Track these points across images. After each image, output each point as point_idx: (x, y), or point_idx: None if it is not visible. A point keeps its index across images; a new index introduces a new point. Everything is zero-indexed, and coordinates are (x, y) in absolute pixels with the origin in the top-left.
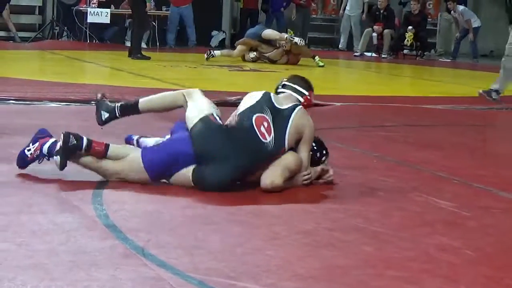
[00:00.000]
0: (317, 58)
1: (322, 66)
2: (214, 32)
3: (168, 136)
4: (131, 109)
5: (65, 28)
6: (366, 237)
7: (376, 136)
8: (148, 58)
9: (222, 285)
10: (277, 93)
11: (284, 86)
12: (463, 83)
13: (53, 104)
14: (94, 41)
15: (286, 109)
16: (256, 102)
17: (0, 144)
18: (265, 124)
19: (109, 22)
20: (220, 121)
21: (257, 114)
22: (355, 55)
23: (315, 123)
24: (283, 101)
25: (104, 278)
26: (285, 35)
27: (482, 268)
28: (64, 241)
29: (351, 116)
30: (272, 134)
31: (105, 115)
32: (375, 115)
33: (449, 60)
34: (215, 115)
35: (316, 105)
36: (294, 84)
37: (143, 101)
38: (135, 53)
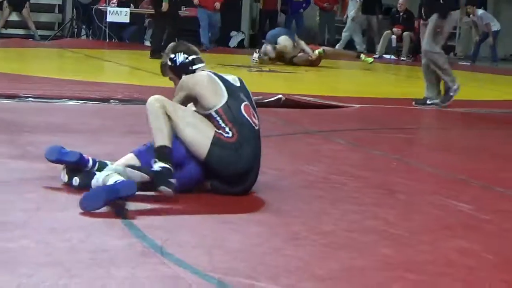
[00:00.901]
0: (362, 56)
1: (371, 62)
2: (233, 33)
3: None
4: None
5: (84, 27)
6: (385, 239)
7: (396, 138)
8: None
9: (241, 285)
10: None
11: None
12: (483, 87)
13: (72, 102)
14: (113, 40)
15: (241, 82)
16: (234, 89)
17: (20, 142)
18: (251, 110)
19: (128, 21)
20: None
21: (243, 104)
22: (374, 57)
23: (333, 125)
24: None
25: (122, 276)
26: (311, 52)
27: (501, 272)
28: (83, 239)
29: (370, 118)
30: (257, 116)
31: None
32: (394, 118)
33: (469, 64)
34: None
35: (335, 106)
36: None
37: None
38: (155, 53)
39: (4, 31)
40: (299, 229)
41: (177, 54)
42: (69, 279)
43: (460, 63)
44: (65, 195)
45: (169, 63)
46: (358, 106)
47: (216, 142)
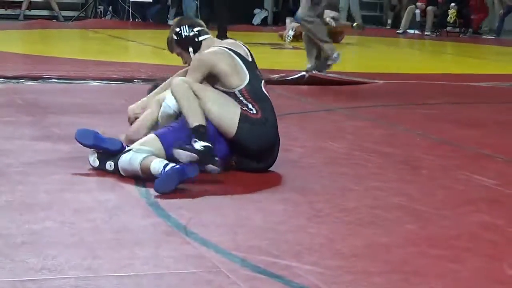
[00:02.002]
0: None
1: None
2: (256, 10)
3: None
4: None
5: (108, 7)
6: (408, 215)
7: (419, 114)
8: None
9: (264, 263)
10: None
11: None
12: (507, 60)
13: (96, 83)
14: (136, 20)
15: (250, 54)
16: (250, 65)
17: (45, 123)
18: (266, 85)
19: (151, 0)
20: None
21: (262, 82)
22: (397, 33)
23: (356, 101)
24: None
25: (146, 256)
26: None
27: None
28: (107, 219)
29: (393, 94)
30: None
31: None
32: (418, 93)
33: (493, 38)
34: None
35: (359, 82)
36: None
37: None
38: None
39: (28, 12)
40: (322, 207)
41: (182, 27)
42: (94, 259)
43: (485, 37)
44: (88, 176)
45: (175, 37)
46: (381, 82)
47: (244, 119)
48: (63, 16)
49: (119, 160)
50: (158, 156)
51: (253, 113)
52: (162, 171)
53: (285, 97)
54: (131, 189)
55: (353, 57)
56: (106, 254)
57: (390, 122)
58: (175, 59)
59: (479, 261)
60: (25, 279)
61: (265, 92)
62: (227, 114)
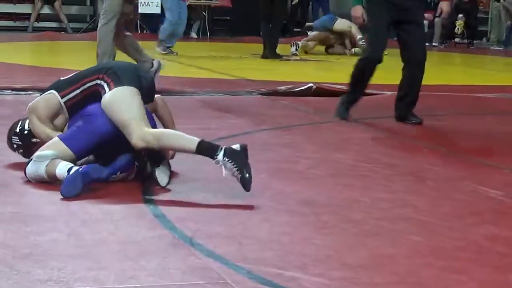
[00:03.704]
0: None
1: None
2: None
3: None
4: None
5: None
6: (414, 226)
7: (426, 125)
8: (280, 57)
9: (270, 274)
10: None
11: None
12: None
13: None
14: (145, 32)
15: None
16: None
17: None
18: None
19: (159, 12)
20: None
21: None
22: (433, 45)
23: (364, 112)
24: None
25: (152, 268)
26: (358, 35)
27: None
28: (113, 231)
29: None
30: None
31: None
32: (425, 104)
33: (501, 49)
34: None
35: (366, 94)
36: None
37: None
38: (271, 53)
39: (36, 24)
40: (328, 218)
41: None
42: (100, 271)
43: (493, 48)
44: (95, 188)
45: None
46: (389, 93)
47: None
48: (71, 28)
49: (26, 172)
50: (63, 157)
51: None
52: (67, 176)
53: (292, 108)
54: (138, 200)
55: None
56: (112, 266)
57: (397, 133)
58: (183, 71)
59: (486, 272)
60: None
61: None
62: None
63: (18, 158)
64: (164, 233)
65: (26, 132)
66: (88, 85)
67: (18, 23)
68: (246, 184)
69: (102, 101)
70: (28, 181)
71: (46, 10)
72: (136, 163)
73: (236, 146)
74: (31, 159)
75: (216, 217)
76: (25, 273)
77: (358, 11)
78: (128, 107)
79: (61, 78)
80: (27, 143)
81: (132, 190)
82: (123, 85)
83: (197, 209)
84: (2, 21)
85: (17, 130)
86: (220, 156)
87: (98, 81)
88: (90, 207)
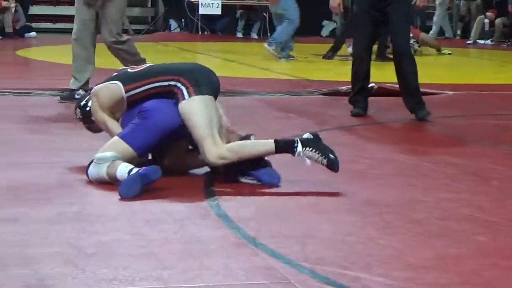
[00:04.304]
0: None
1: (450, 53)
2: (324, 22)
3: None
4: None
5: (177, 20)
6: (479, 226)
7: (489, 124)
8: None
9: (333, 274)
10: None
11: None
12: None
13: None
14: (205, 33)
15: None
16: None
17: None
18: None
19: (220, 13)
20: None
21: None
22: (468, 43)
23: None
24: None
25: (216, 267)
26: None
27: None
28: (176, 230)
29: (463, 104)
30: None
31: None
32: (488, 104)
33: None
34: None
35: (428, 93)
36: None
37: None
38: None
39: None
40: (391, 218)
41: None
42: (163, 270)
43: None
44: (158, 187)
45: None
46: (451, 92)
47: None
48: (133, 30)
49: (88, 174)
50: (126, 156)
51: None
52: (128, 175)
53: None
54: (200, 200)
55: (421, 67)
56: (175, 265)
57: (460, 133)
58: (243, 71)
59: None
60: None
61: None
62: None
63: (80, 160)
64: (227, 233)
65: (87, 109)
66: (159, 84)
67: None
68: (334, 165)
69: (181, 106)
70: (91, 182)
71: None
72: None
73: (308, 135)
74: (92, 161)
75: (278, 217)
76: (90, 272)
77: (335, 0)
78: (208, 121)
79: (128, 70)
80: (87, 119)
81: (195, 189)
82: (203, 94)
83: (259, 209)
84: (65, 23)
85: (81, 104)
86: (300, 148)
87: (175, 83)
88: (153, 207)
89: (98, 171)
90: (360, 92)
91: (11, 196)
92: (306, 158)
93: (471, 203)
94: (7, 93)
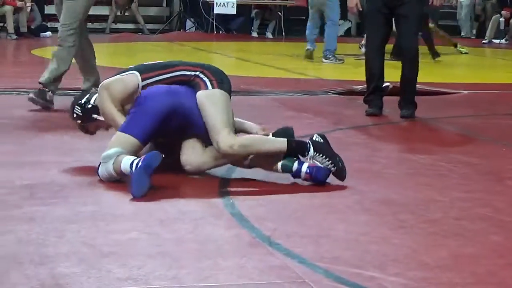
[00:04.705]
0: (459, 46)
1: (467, 53)
2: (339, 21)
3: None
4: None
5: (192, 19)
6: (494, 226)
7: (505, 124)
8: (438, 55)
9: (348, 274)
10: None
11: None
12: None
13: None
14: (220, 32)
15: None
16: None
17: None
18: None
19: (235, 13)
20: None
21: None
22: (483, 43)
23: (441, 111)
24: None
25: (230, 267)
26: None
27: None
28: (191, 230)
29: (478, 104)
30: None
31: None
32: (503, 103)
33: None
34: None
35: (443, 93)
36: None
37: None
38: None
39: (114, 26)
40: (406, 217)
41: None
42: (178, 270)
43: None
44: (172, 187)
45: None
46: (466, 92)
47: None
48: (148, 29)
49: (99, 175)
50: (130, 148)
51: None
52: (131, 171)
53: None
54: (215, 200)
55: (435, 67)
56: (190, 265)
57: (475, 132)
58: (258, 71)
59: None
60: None
61: None
62: None
63: (95, 159)
64: (241, 232)
65: (89, 106)
66: (185, 72)
67: (96, 25)
68: (341, 173)
69: (201, 93)
70: (105, 182)
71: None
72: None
73: (318, 138)
74: (99, 164)
75: (293, 217)
76: (105, 272)
77: (352, 1)
78: (227, 113)
79: (146, 63)
80: (87, 117)
81: (209, 189)
82: (224, 90)
83: (274, 208)
84: None
85: (82, 101)
86: (311, 152)
87: (198, 73)
88: (167, 206)
89: (106, 169)
90: (374, 91)
91: (26, 195)
92: (316, 162)
93: (486, 202)
94: (22, 93)
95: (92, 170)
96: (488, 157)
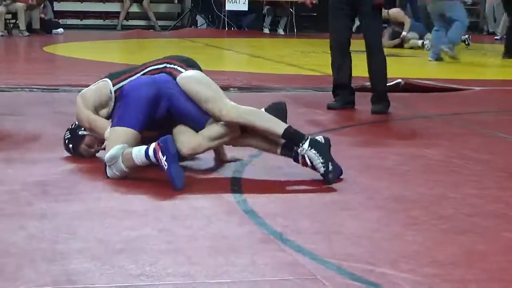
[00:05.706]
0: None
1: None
2: None
3: None
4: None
5: (203, 16)
6: (506, 223)
7: None
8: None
9: (360, 270)
10: None
11: None
12: None
13: None
14: (232, 29)
15: None
16: None
17: None
18: None
19: (247, 9)
20: None
21: None
22: (495, 39)
23: (453, 108)
24: None
25: (242, 263)
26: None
27: None
28: (203, 226)
29: (491, 100)
30: None
31: None
32: None
33: None
34: None
35: (455, 89)
36: None
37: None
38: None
39: (125, 22)
40: (418, 214)
41: None
42: (190, 266)
43: None
44: (184, 183)
45: None
46: (478, 88)
47: None
48: (159, 26)
49: (110, 177)
50: (127, 140)
51: None
52: (148, 157)
53: None
54: (227, 196)
55: (447, 63)
56: (202, 261)
57: (487, 129)
58: (270, 67)
59: None
60: (123, 285)
61: None
62: None
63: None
64: (253, 229)
65: (74, 125)
66: (149, 69)
67: (107, 21)
68: (328, 177)
69: (179, 78)
70: (118, 179)
71: (134, 8)
72: None
73: (320, 138)
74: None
75: (305, 213)
76: (118, 268)
77: None
78: (215, 85)
79: (119, 69)
80: (75, 136)
81: (221, 185)
82: (196, 69)
83: (286, 205)
84: (93, 20)
85: (71, 126)
86: (306, 145)
87: (165, 65)
88: (179, 203)
89: (116, 170)
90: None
91: (39, 191)
92: (306, 158)
93: (498, 199)
94: (35, 89)
95: (102, 168)
96: (500, 154)
